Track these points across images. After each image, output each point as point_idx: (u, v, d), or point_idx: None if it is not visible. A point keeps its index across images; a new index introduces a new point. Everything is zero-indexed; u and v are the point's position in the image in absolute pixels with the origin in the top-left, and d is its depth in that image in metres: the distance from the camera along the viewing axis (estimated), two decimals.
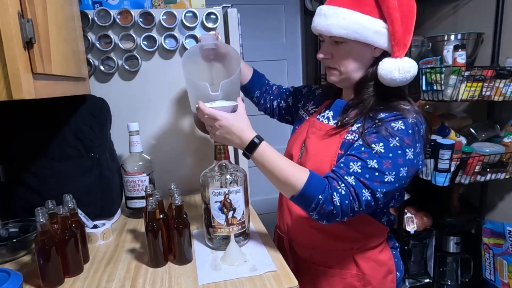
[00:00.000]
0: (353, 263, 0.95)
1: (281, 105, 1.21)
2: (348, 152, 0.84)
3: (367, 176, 0.78)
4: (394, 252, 1.01)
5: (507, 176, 1.65)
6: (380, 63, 0.84)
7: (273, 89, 1.24)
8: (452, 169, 1.57)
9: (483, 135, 1.72)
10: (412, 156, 0.81)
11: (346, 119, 0.90)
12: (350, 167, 0.80)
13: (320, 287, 0.97)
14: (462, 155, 1.59)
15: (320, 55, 0.92)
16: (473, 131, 1.72)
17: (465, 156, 1.58)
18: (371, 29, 0.82)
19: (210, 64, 1.08)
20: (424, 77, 1.63)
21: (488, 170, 1.61)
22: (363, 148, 0.81)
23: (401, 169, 0.79)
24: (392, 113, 0.83)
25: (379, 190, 0.78)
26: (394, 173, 0.79)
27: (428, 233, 1.88)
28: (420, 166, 0.86)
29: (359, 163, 0.79)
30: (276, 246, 0.97)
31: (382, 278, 0.96)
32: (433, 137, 1.61)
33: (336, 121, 0.93)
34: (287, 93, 1.21)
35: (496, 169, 1.61)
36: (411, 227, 1.78)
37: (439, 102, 1.67)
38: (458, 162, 1.57)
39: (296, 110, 1.15)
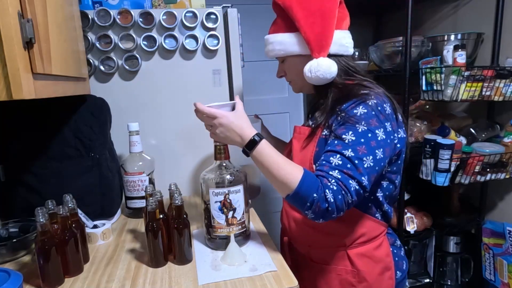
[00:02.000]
0: (347, 259, 0.95)
1: None
2: (325, 150, 0.86)
3: (348, 166, 0.80)
4: (395, 250, 1.00)
5: (507, 176, 1.65)
6: None
7: None
8: (452, 169, 1.57)
9: (483, 135, 1.72)
10: (384, 136, 0.83)
11: (315, 118, 0.95)
12: (331, 161, 0.82)
13: (318, 283, 0.99)
14: (462, 155, 1.59)
15: (277, 75, 1.06)
16: (473, 131, 1.72)
17: (465, 156, 1.58)
18: (289, 42, 0.94)
19: None
20: (424, 77, 1.63)
21: (488, 170, 1.60)
22: (336, 142, 0.84)
23: (377, 151, 0.82)
24: (351, 101, 0.86)
25: (363, 178, 0.80)
26: (371, 157, 0.81)
27: (428, 233, 1.87)
28: (399, 145, 0.89)
29: (338, 156, 0.82)
30: (281, 243, 0.98)
31: (378, 275, 0.96)
32: (433, 137, 1.61)
33: (310, 122, 0.98)
34: None
35: (496, 169, 1.61)
36: (411, 227, 1.78)
37: (439, 102, 1.67)
38: (458, 162, 1.57)
39: None
